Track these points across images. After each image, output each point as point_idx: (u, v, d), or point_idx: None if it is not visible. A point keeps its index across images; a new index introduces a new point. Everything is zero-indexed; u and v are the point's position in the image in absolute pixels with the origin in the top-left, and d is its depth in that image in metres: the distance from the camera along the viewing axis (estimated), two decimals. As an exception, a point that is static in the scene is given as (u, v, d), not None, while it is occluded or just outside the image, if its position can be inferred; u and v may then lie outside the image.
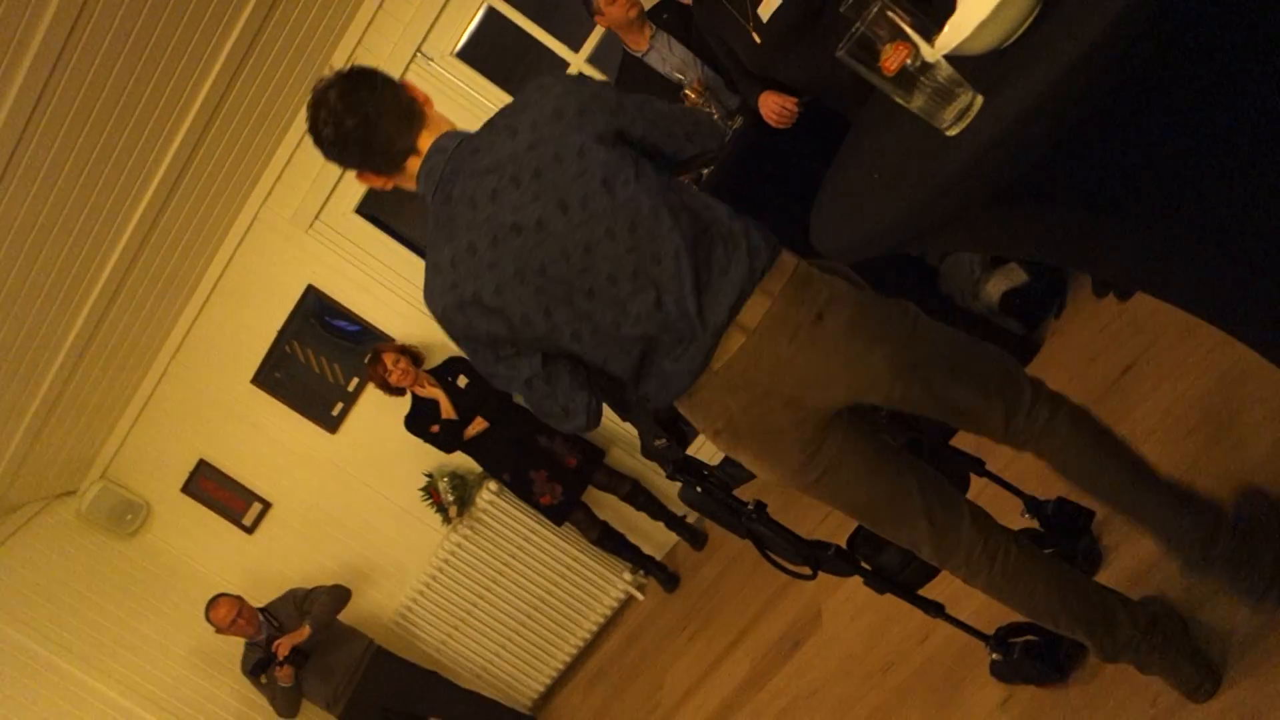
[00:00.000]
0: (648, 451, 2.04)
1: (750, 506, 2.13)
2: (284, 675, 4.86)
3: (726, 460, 2.12)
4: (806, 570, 2.12)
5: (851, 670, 3.16)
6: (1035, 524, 2.43)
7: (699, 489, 2.08)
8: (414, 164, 1.92)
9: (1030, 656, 2.21)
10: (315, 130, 1.89)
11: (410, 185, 1.95)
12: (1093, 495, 1.95)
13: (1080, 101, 1.07)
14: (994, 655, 2.31)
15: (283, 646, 4.86)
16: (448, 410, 5.04)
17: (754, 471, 1.91)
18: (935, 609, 2.22)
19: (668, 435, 2.02)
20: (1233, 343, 2.41)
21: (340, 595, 5.19)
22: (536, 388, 1.89)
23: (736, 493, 2.18)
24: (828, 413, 1.83)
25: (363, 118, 1.85)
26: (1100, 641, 1.86)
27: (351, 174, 1.98)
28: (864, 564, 2.13)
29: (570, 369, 1.91)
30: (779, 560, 2.16)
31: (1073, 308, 3.31)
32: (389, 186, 1.98)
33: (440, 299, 1.87)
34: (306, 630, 4.93)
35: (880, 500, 1.88)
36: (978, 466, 2.42)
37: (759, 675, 3.74)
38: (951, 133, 1.19)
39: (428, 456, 5.34)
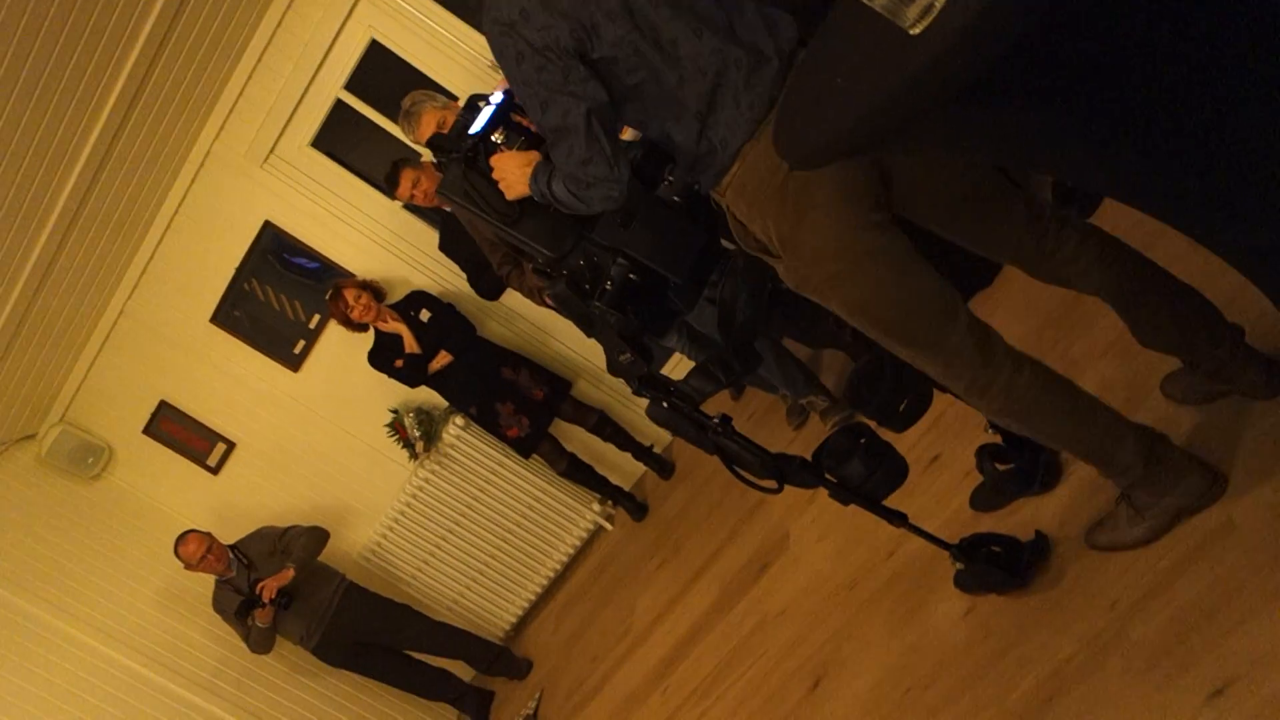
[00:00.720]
0: (614, 367, 2.03)
1: (716, 421, 2.13)
2: (264, 616, 4.87)
3: (691, 374, 2.11)
4: (773, 484, 2.13)
5: (818, 588, 3.21)
6: (998, 439, 2.46)
7: (665, 405, 2.08)
8: None
9: (993, 565, 2.25)
10: None
11: None
12: (1133, 300, 1.99)
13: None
14: (958, 565, 2.35)
15: (268, 589, 4.85)
16: (411, 344, 5.00)
17: (819, 231, 1.84)
18: (899, 519, 2.25)
19: (632, 350, 2.01)
20: (1194, 253, 2.44)
21: (320, 536, 5.19)
22: (594, 126, 1.88)
23: (703, 410, 2.18)
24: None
25: None
26: (1138, 435, 1.91)
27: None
28: (829, 476, 2.14)
29: (618, 134, 1.94)
30: (745, 475, 2.17)
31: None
32: None
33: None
34: (291, 572, 4.92)
35: (928, 283, 1.87)
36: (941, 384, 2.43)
37: (728, 598, 3.79)
38: (915, 31, 1.17)
39: (392, 393, 5.31)
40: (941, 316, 1.88)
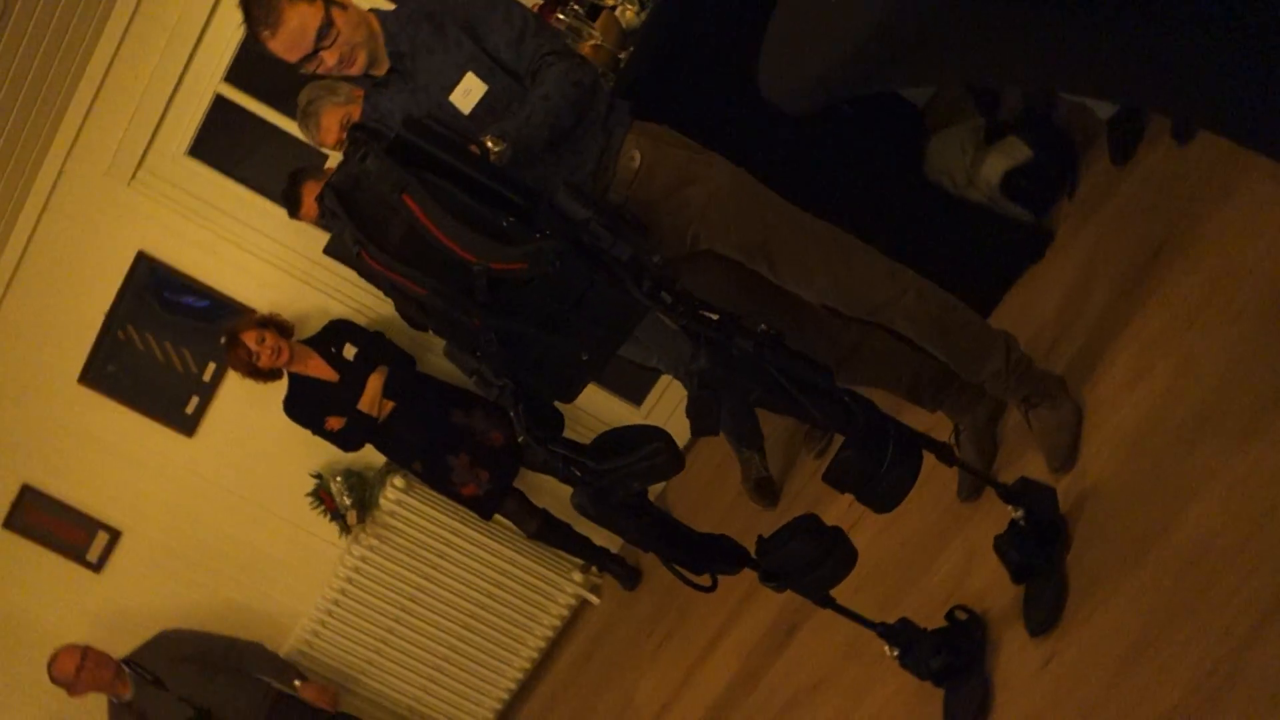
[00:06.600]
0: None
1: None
2: None
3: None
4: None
5: (861, 652, 3.17)
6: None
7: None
8: None
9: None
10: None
11: None
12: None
13: None
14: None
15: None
16: (373, 402, 4.91)
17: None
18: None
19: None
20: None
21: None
22: None
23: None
24: None
25: None
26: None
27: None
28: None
29: None
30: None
31: (1088, 184, 3.33)
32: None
33: None
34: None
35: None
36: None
37: (750, 673, 3.76)
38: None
39: (314, 451, 5.27)
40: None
